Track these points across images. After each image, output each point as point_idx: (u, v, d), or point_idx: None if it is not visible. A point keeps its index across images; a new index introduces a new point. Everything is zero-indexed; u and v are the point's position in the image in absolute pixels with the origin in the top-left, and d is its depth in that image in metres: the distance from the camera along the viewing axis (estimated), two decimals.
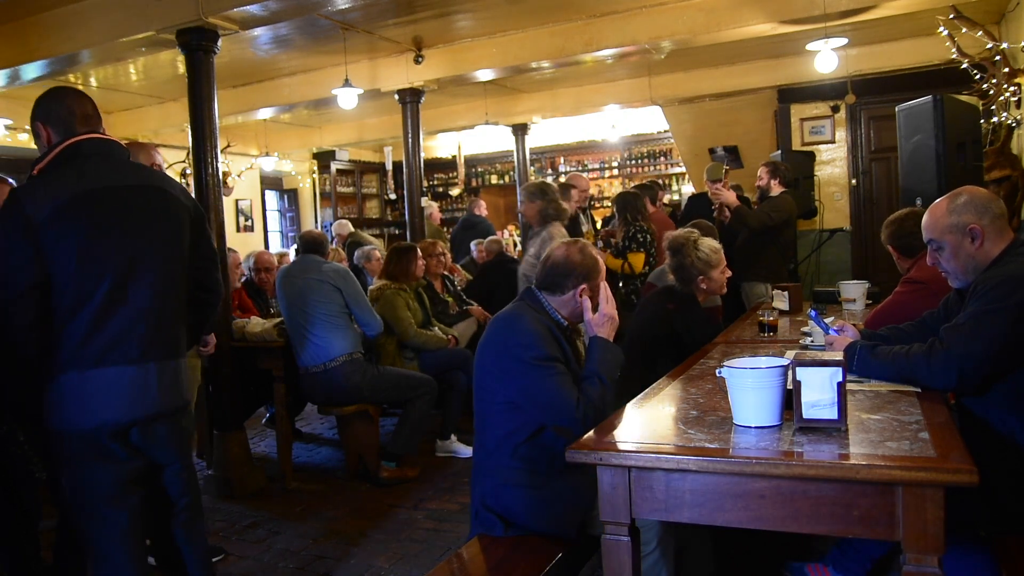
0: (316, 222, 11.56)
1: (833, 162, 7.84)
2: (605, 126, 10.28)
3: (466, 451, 4.63)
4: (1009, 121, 4.91)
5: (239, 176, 9.81)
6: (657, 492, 1.72)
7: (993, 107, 4.83)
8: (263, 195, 11.12)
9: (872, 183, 7.76)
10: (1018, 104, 4.82)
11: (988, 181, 4.71)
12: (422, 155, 6.96)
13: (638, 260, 5.13)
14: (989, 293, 2.02)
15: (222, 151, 5.61)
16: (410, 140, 6.74)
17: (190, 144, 4.58)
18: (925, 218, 2.28)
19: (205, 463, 4.75)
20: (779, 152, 7.08)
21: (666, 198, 7.75)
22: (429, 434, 4.78)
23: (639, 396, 2.26)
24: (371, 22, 5.76)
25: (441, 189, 11.95)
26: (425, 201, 8.46)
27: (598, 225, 6.91)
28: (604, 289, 2.50)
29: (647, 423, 2.02)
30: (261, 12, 4.43)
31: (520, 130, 9.21)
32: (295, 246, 6.97)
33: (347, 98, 6.33)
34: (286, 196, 12.01)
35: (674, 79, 8.10)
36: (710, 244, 3.34)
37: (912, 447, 1.62)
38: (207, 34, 4.40)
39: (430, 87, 6.72)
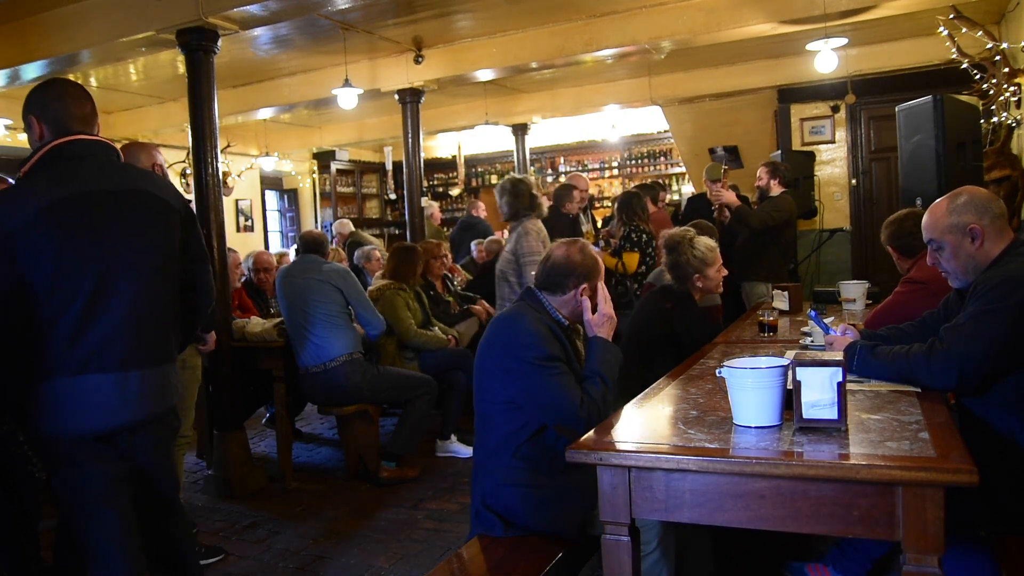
0: (316, 222, 11.56)
1: (833, 162, 7.84)
2: (605, 126, 10.28)
3: (466, 451, 4.63)
4: (1009, 121, 4.91)
5: (239, 176, 9.81)
6: (657, 492, 1.72)
7: (993, 107, 4.82)
8: (263, 195, 11.12)
9: (872, 183, 7.76)
10: (1018, 104, 4.82)
11: (988, 181, 4.71)
12: (422, 155, 6.96)
13: (632, 260, 5.13)
14: (989, 293, 2.02)
15: (222, 151, 5.60)
16: (410, 140, 6.74)
17: (190, 144, 4.58)
18: (925, 218, 2.28)
19: (205, 463, 4.75)
20: (779, 152, 7.08)
21: (667, 198, 7.73)
22: (429, 434, 4.78)
23: (639, 396, 2.26)
24: (371, 22, 5.76)
25: (441, 189, 11.95)
26: (426, 201, 8.47)
27: (599, 225, 6.91)
28: (602, 289, 2.50)
29: (647, 423, 2.02)
30: (261, 12, 4.43)
31: (520, 130, 9.21)
32: (295, 246, 6.97)
33: (347, 98, 6.33)
34: (286, 196, 12.01)
35: (674, 79, 8.10)
36: (706, 242, 3.36)
37: (912, 447, 1.62)
38: (207, 34, 4.40)
39: (430, 87, 6.72)
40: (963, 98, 4.58)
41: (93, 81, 6.92)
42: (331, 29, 5.75)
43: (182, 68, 5.21)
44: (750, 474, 1.63)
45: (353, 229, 8.57)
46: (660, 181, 8.83)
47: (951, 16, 4.56)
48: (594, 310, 2.48)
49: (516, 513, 2.34)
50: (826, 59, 5.75)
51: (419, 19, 5.78)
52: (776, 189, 5.22)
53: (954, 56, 4.81)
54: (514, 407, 2.36)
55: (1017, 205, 4.82)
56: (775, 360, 1.87)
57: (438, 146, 11.78)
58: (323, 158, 11.37)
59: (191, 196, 4.37)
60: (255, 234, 10.68)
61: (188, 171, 8.76)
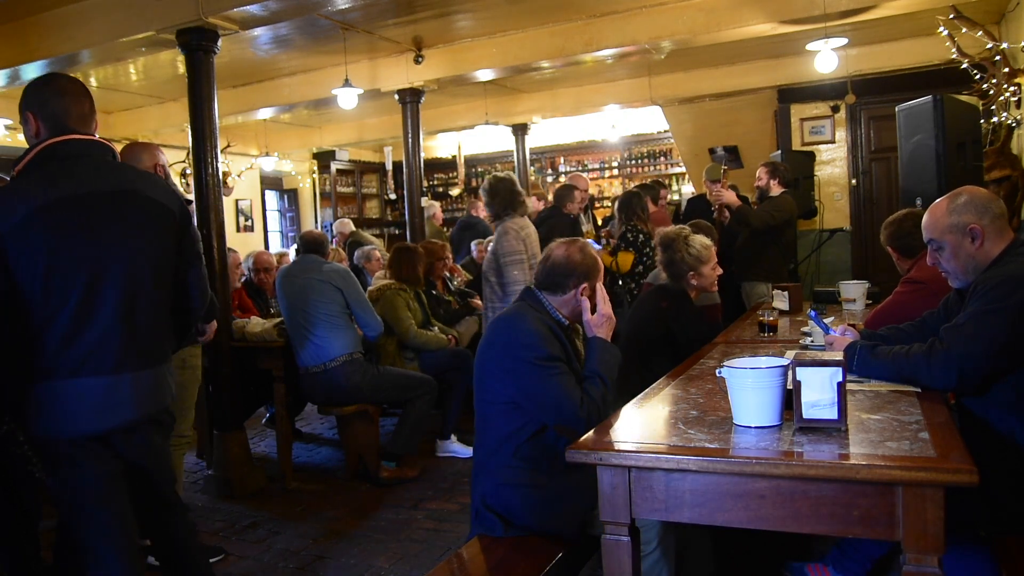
0: (316, 222, 11.56)
1: (833, 162, 7.84)
2: (605, 126, 10.28)
3: (466, 451, 4.63)
4: (1009, 121, 4.91)
5: (239, 176, 9.81)
6: (657, 492, 1.72)
7: (993, 107, 4.82)
8: (263, 195, 11.12)
9: (872, 183, 7.76)
10: (1018, 104, 4.82)
11: (988, 181, 4.71)
12: (422, 155, 6.96)
13: (626, 260, 5.13)
14: (989, 293, 2.03)
15: (222, 151, 5.60)
16: (410, 140, 6.74)
17: (190, 144, 4.58)
18: (925, 218, 2.28)
19: (205, 463, 4.75)
20: (779, 152, 7.08)
21: (668, 196, 7.73)
22: (429, 434, 4.78)
23: (639, 396, 2.26)
24: (371, 22, 5.76)
25: (441, 189, 11.95)
26: (427, 201, 8.47)
27: (600, 224, 6.92)
28: (600, 290, 2.51)
29: (647, 423, 2.02)
30: (261, 12, 4.43)
31: (520, 130, 9.21)
32: (295, 246, 6.97)
33: (347, 98, 6.33)
34: (286, 196, 12.01)
35: (674, 79, 8.10)
36: (701, 240, 3.37)
37: (912, 447, 1.62)
38: (207, 34, 4.40)
39: (430, 87, 6.72)
40: (963, 98, 4.58)
41: (93, 81, 6.92)
42: (331, 29, 5.75)
43: (182, 68, 5.22)
44: (750, 474, 1.63)
45: (354, 229, 8.56)
46: (661, 180, 8.82)
47: (951, 16, 4.56)
48: (593, 310, 2.48)
49: (516, 513, 2.34)
50: (826, 59, 5.75)
51: (419, 19, 5.78)
52: (776, 189, 5.22)
53: (954, 56, 4.81)
54: (514, 407, 2.36)
55: (1017, 205, 4.82)
56: (775, 360, 1.87)
57: (438, 146, 11.78)
58: (323, 158, 11.37)
59: (191, 196, 4.37)
60: (255, 234, 10.68)
61: (188, 171, 8.75)
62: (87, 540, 2.04)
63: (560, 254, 2.50)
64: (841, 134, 7.79)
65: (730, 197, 5.15)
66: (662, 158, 10.65)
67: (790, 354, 2.44)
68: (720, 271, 3.48)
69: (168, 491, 2.21)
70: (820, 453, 1.63)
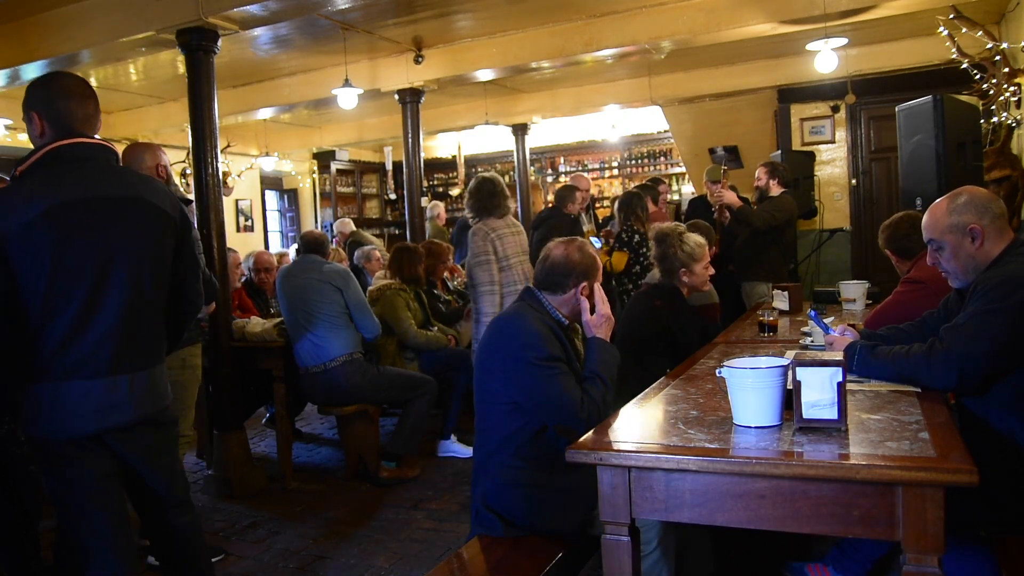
0: (316, 222, 11.56)
1: (833, 162, 7.84)
2: (605, 126, 10.28)
3: (466, 451, 4.63)
4: (1009, 121, 4.91)
5: (239, 176, 9.81)
6: (657, 492, 1.72)
7: (993, 107, 4.82)
8: (263, 195, 11.12)
9: (872, 183, 7.75)
10: (1018, 104, 4.82)
11: (988, 181, 4.71)
12: (422, 155, 6.96)
13: (620, 260, 5.13)
14: (989, 293, 2.03)
15: (222, 151, 5.61)
16: (410, 140, 6.74)
17: (190, 144, 4.58)
18: (925, 218, 2.28)
19: (205, 463, 4.75)
20: (779, 152, 7.08)
21: (667, 195, 7.73)
22: (429, 434, 4.78)
23: (639, 396, 2.26)
24: (371, 22, 5.76)
25: (441, 189, 11.94)
26: (428, 201, 8.46)
27: (600, 222, 6.91)
28: (599, 290, 2.51)
29: (647, 423, 2.02)
30: (261, 12, 4.42)
31: (520, 130, 9.21)
32: (295, 246, 6.97)
33: (347, 98, 6.33)
34: (286, 196, 12.01)
35: (674, 79, 8.10)
36: (695, 239, 3.39)
37: (912, 447, 1.62)
38: (207, 34, 4.40)
39: (430, 87, 6.72)
40: (963, 98, 4.58)
41: (93, 81, 6.90)
42: (331, 29, 5.75)
43: (182, 68, 5.21)
44: (750, 474, 1.63)
45: (354, 229, 8.56)
46: (659, 177, 8.80)
47: (951, 16, 4.56)
48: (592, 310, 2.48)
49: (516, 513, 2.34)
50: (826, 59, 5.75)
51: (419, 19, 5.78)
52: (775, 189, 5.22)
53: (954, 56, 4.80)
54: (515, 407, 2.36)
55: (1017, 205, 4.82)
56: (775, 360, 1.87)
57: (438, 146, 11.77)
58: (323, 158, 11.37)
59: (191, 196, 4.37)
60: (255, 234, 10.68)
61: (188, 171, 8.75)
62: (84, 540, 2.05)
63: (559, 253, 2.50)
64: (841, 134, 7.79)
65: (731, 198, 5.15)
66: (662, 158, 10.65)
67: (790, 354, 2.44)
68: (712, 271, 3.51)
69: (167, 490, 2.21)
70: (820, 453, 1.63)
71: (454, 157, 10.87)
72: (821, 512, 1.59)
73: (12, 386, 2.13)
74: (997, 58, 4.63)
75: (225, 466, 4.31)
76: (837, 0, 5.18)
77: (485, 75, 6.67)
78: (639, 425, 2.01)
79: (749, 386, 1.80)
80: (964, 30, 4.57)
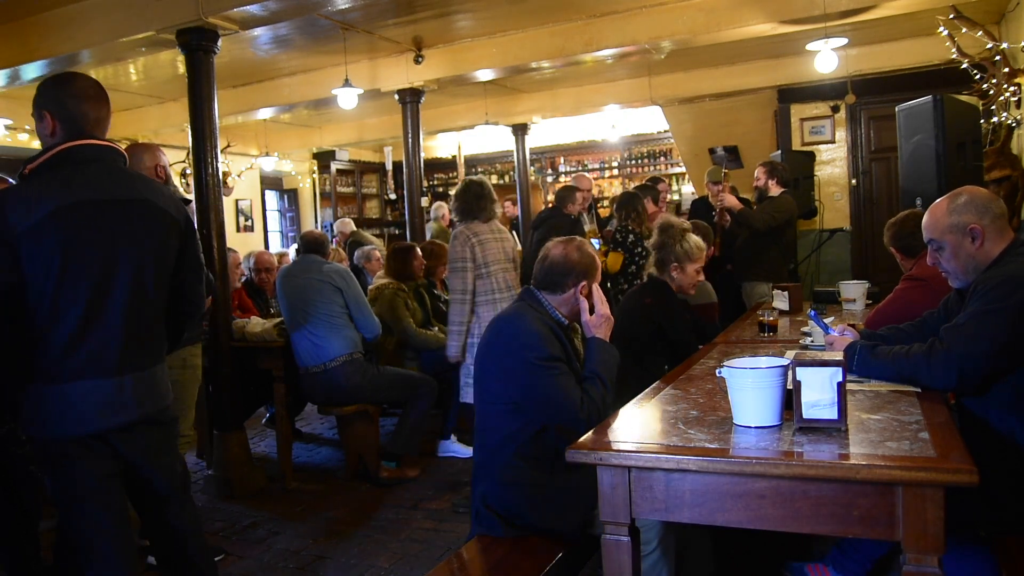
0: (316, 222, 11.56)
1: (833, 162, 7.84)
2: (605, 126, 10.28)
3: (466, 451, 4.63)
4: (1009, 121, 4.91)
5: (239, 176, 9.81)
6: (657, 492, 1.72)
7: (993, 107, 4.82)
8: (263, 195, 11.12)
9: (872, 183, 7.75)
10: (1018, 104, 4.82)
11: (988, 181, 4.71)
12: (422, 155, 6.96)
13: (615, 260, 5.13)
14: (989, 293, 2.03)
15: (222, 151, 5.61)
16: (410, 140, 6.74)
17: (190, 144, 4.58)
18: (925, 218, 2.28)
19: (205, 463, 4.75)
20: (779, 152, 7.08)
21: (668, 194, 7.73)
22: (429, 434, 4.78)
23: (639, 396, 2.26)
24: (371, 22, 5.76)
25: (441, 189, 11.94)
26: (430, 202, 8.47)
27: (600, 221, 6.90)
28: (597, 290, 2.51)
29: (647, 423, 2.02)
30: (261, 12, 4.43)
31: (520, 130, 9.21)
32: (295, 246, 6.96)
33: (347, 98, 6.33)
34: (286, 196, 12.00)
35: (674, 79, 8.10)
36: (697, 241, 3.43)
37: (912, 447, 1.62)
38: (207, 34, 4.40)
39: (430, 87, 6.72)
40: (963, 98, 4.58)
41: None
42: (331, 29, 5.75)
43: (182, 68, 5.22)
44: (750, 474, 1.63)
45: (355, 229, 8.56)
46: (659, 176, 8.80)
47: (951, 16, 4.56)
48: (591, 311, 2.48)
49: (516, 513, 2.34)
50: (826, 59, 5.75)
51: (419, 19, 5.78)
52: (774, 189, 5.22)
53: (954, 56, 4.80)
54: (515, 407, 2.36)
55: (1017, 205, 4.82)
56: (775, 360, 1.87)
57: (438, 146, 11.77)
58: (323, 158, 11.37)
59: (191, 196, 4.37)
60: (255, 234, 10.68)
61: (188, 171, 8.75)
62: (85, 540, 2.05)
63: (558, 253, 2.50)
64: (841, 134, 7.79)
65: (731, 201, 5.17)
66: (662, 158, 10.65)
67: (790, 354, 2.44)
68: (702, 278, 3.54)
69: (167, 488, 2.21)
70: (820, 453, 1.63)
71: (454, 157, 10.86)
72: (821, 512, 1.59)
73: (12, 386, 2.14)
74: (997, 58, 4.63)
75: (225, 466, 4.31)
76: (837, 0, 5.18)
77: (485, 75, 6.67)
78: (639, 425, 2.01)
79: (749, 386, 1.80)
80: (964, 30, 4.57)
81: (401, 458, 4.41)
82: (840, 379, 1.74)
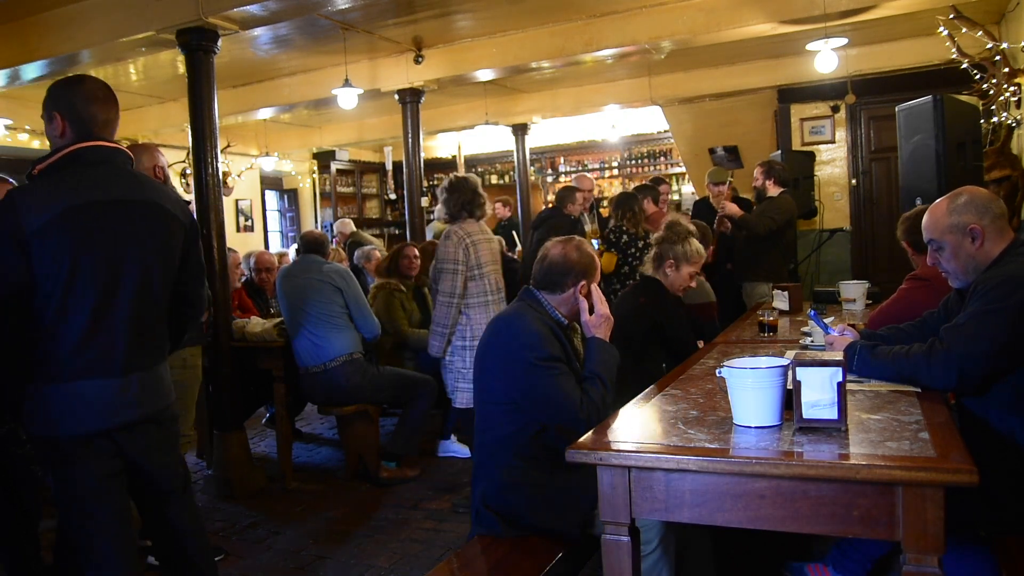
0: (316, 222, 11.55)
1: (833, 162, 7.84)
2: (605, 126, 10.28)
3: (466, 451, 4.63)
4: (1009, 121, 4.91)
5: (239, 176, 9.81)
6: (657, 492, 1.72)
7: (993, 107, 4.82)
8: (263, 195, 11.11)
9: (872, 183, 7.75)
10: (1018, 104, 4.82)
11: (988, 181, 4.71)
12: (422, 155, 6.96)
13: (609, 260, 5.12)
14: (989, 293, 2.03)
15: (222, 151, 5.61)
16: (410, 140, 6.74)
17: (190, 144, 4.58)
18: (925, 218, 2.28)
19: (205, 463, 4.75)
20: (779, 152, 7.08)
21: (669, 194, 7.72)
22: (429, 434, 4.78)
23: (639, 396, 2.26)
24: (371, 22, 5.76)
25: None
26: (430, 202, 8.44)
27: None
28: (596, 290, 2.51)
29: (647, 423, 2.02)
30: (261, 12, 4.43)
31: (520, 130, 9.21)
32: (295, 246, 6.96)
33: (347, 98, 6.33)
34: (286, 196, 12.00)
35: (674, 79, 8.10)
36: (698, 247, 3.48)
37: (912, 447, 1.62)
38: (207, 34, 4.40)
39: (430, 87, 6.72)
40: (963, 98, 4.58)
41: None
42: (331, 29, 5.75)
43: (182, 68, 5.22)
44: (750, 474, 1.63)
45: (354, 229, 8.57)
46: (660, 177, 8.81)
47: (951, 16, 4.56)
48: (591, 310, 2.48)
49: (516, 513, 2.34)
50: (826, 59, 5.75)
51: (419, 19, 5.78)
52: (772, 189, 5.23)
53: (954, 56, 4.80)
54: (515, 407, 2.36)
55: (1017, 205, 4.82)
56: (775, 360, 1.87)
57: (438, 146, 11.77)
58: (323, 158, 11.37)
59: (191, 196, 4.37)
60: (255, 234, 10.68)
61: (188, 171, 8.75)
62: (86, 539, 2.06)
63: (557, 253, 2.50)
64: (841, 134, 7.79)
65: (732, 209, 5.19)
66: (662, 158, 10.65)
67: (790, 354, 2.44)
68: (694, 285, 3.56)
69: (169, 485, 2.23)
70: (820, 453, 1.63)
71: (454, 157, 10.87)
72: (821, 512, 1.59)
73: (13, 386, 2.14)
74: (997, 58, 4.62)
75: (225, 466, 4.31)
76: (837, 0, 5.18)
77: (485, 75, 6.67)
78: (639, 425, 2.01)
79: (749, 386, 1.80)
80: (964, 30, 4.57)
81: (401, 458, 4.41)
82: (840, 379, 1.74)
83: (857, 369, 2.24)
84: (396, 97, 6.74)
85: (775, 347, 3.01)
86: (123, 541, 2.09)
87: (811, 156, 7.39)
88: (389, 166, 11.29)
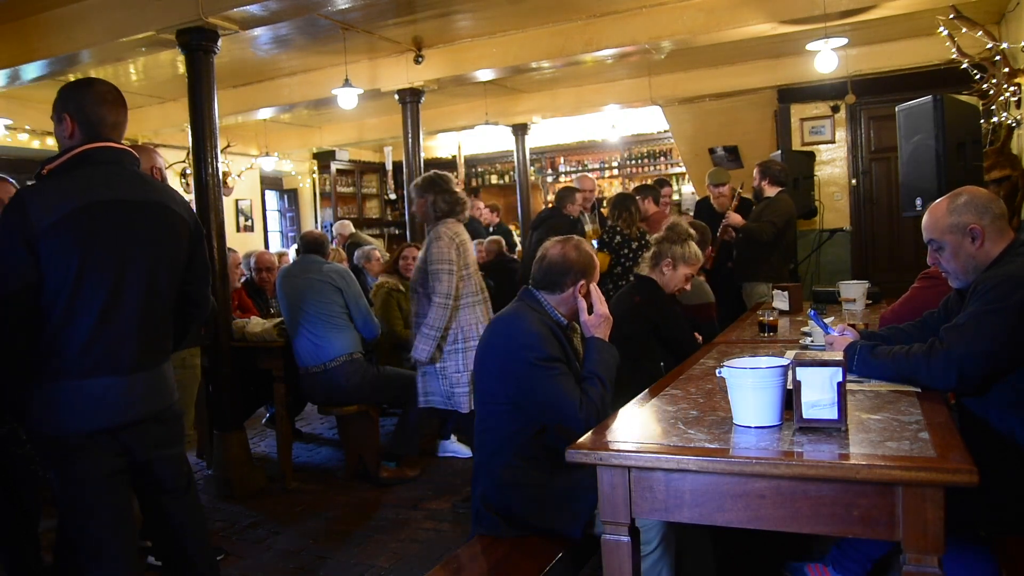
0: (316, 222, 11.55)
1: (833, 162, 7.84)
2: (605, 126, 10.28)
3: (466, 451, 4.63)
4: (1009, 121, 4.90)
5: (239, 176, 9.81)
6: (657, 492, 1.72)
7: (993, 107, 4.82)
8: (263, 195, 11.11)
9: (872, 183, 7.76)
10: (1018, 104, 4.82)
11: (988, 181, 4.70)
12: (422, 155, 6.96)
13: (603, 261, 5.12)
14: (989, 293, 2.03)
15: (222, 151, 5.60)
16: (410, 140, 6.74)
17: (190, 144, 4.58)
18: (925, 218, 2.28)
19: (205, 463, 4.75)
20: (779, 152, 7.08)
21: (672, 195, 7.72)
22: (429, 434, 4.78)
23: (639, 396, 2.26)
24: (371, 22, 5.76)
25: None
26: None
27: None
28: (595, 290, 2.51)
29: (647, 423, 2.02)
30: (261, 12, 4.43)
31: (520, 130, 9.21)
32: (295, 246, 6.96)
33: (347, 98, 6.33)
34: (286, 196, 12.00)
35: (674, 79, 8.10)
36: (696, 251, 3.49)
37: (912, 447, 1.62)
38: (207, 34, 4.40)
39: (430, 87, 6.72)
40: (963, 98, 4.58)
41: None
42: (331, 29, 5.75)
43: (182, 68, 5.21)
44: (750, 474, 1.63)
45: (353, 231, 8.57)
46: (664, 179, 8.81)
47: (951, 16, 4.56)
48: (590, 310, 2.48)
49: (516, 513, 2.34)
50: (826, 59, 5.75)
51: (419, 19, 5.78)
52: (769, 190, 5.24)
53: (954, 56, 4.80)
54: (515, 408, 2.36)
55: (1017, 205, 4.81)
56: (775, 360, 1.87)
57: (438, 146, 11.77)
58: (323, 158, 11.37)
59: (191, 196, 4.37)
60: (255, 234, 10.67)
61: (188, 171, 8.75)
62: (87, 538, 2.07)
63: (556, 252, 2.50)
64: (841, 134, 7.79)
65: (736, 219, 5.22)
66: (662, 158, 10.65)
67: (790, 354, 2.44)
68: (688, 287, 3.55)
69: (172, 483, 2.23)
70: (820, 453, 1.63)
71: (454, 157, 10.87)
72: (821, 512, 1.59)
73: (14, 386, 2.15)
74: (997, 58, 4.62)
75: (225, 466, 4.31)
76: (837, 0, 5.18)
77: (485, 75, 6.67)
78: (639, 425, 2.01)
79: (749, 386, 1.80)
80: (964, 30, 4.57)
81: (401, 458, 4.41)
82: (840, 379, 1.74)
83: (857, 369, 2.24)
84: (396, 97, 6.74)
85: (775, 347, 3.01)
86: (125, 540, 2.10)
87: (811, 156, 7.40)
88: (389, 166, 11.29)
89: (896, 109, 4.68)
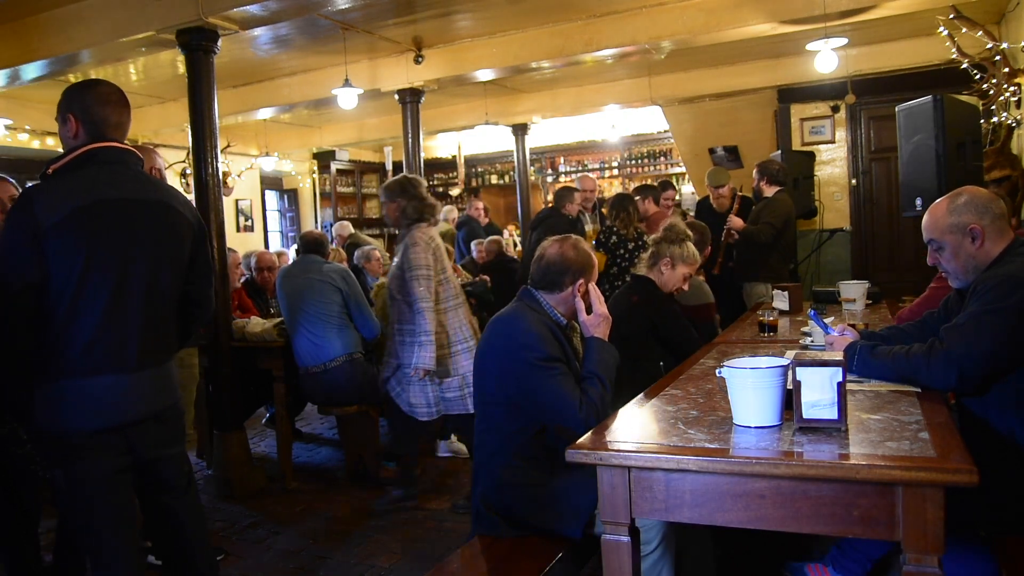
0: (316, 222, 11.55)
1: (833, 162, 7.84)
2: (605, 126, 10.28)
3: (466, 451, 4.63)
4: (1009, 121, 4.90)
5: (239, 176, 9.81)
6: (657, 492, 1.72)
7: (993, 107, 4.82)
8: (263, 195, 11.11)
9: (872, 183, 7.76)
10: (1018, 104, 4.82)
11: (988, 181, 4.70)
12: (422, 155, 6.96)
13: (599, 261, 5.12)
14: (989, 293, 2.03)
15: (222, 151, 5.60)
16: (410, 140, 6.74)
17: (190, 144, 4.58)
18: (925, 218, 2.28)
19: (205, 463, 4.75)
20: (779, 152, 7.08)
21: (674, 196, 7.72)
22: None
23: (639, 396, 2.26)
24: (371, 22, 5.76)
25: (441, 189, 11.94)
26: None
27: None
28: (595, 290, 2.51)
29: (647, 423, 2.02)
30: (261, 12, 4.43)
31: (520, 130, 9.21)
32: (295, 246, 6.96)
33: (347, 98, 6.33)
34: (286, 196, 12.00)
35: (674, 79, 8.10)
36: (693, 252, 3.49)
37: (912, 447, 1.62)
38: (207, 34, 4.40)
39: (430, 87, 6.72)
40: (963, 98, 4.58)
41: None
42: (331, 29, 5.75)
43: (182, 68, 5.21)
44: (750, 474, 1.63)
45: (353, 231, 8.57)
46: (668, 181, 8.80)
47: (951, 16, 4.56)
48: (588, 310, 2.48)
49: (516, 513, 2.34)
50: (826, 59, 5.75)
51: (419, 19, 5.78)
52: (768, 190, 5.24)
53: (954, 56, 4.80)
54: (514, 408, 2.36)
55: (1017, 205, 4.82)
56: (775, 360, 1.87)
57: (438, 146, 11.77)
58: (323, 158, 11.37)
59: (191, 196, 4.37)
60: (255, 234, 10.68)
61: (188, 171, 8.75)
62: (90, 536, 2.08)
63: (554, 252, 2.50)
64: (841, 134, 7.79)
65: (737, 223, 5.24)
66: (662, 158, 10.65)
67: (790, 354, 2.44)
68: (687, 287, 3.55)
69: (174, 482, 2.24)
70: (820, 453, 1.63)
71: (454, 157, 10.87)
72: (821, 512, 1.59)
73: (15, 385, 2.15)
74: (997, 58, 4.62)
75: (225, 466, 4.31)
76: (837, 0, 5.18)
77: (485, 75, 6.67)
78: (639, 425, 2.01)
79: (749, 386, 1.80)
80: (964, 30, 4.57)
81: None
82: (840, 379, 1.74)
83: (857, 369, 2.24)
84: (396, 97, 6.74)
85: (775, 347, 3.01)
86: (127, 538, 2.10)
87: (811, 156, 7.39)
88: (389, 166, 11.27)
89: (896, 109, 4.68)
